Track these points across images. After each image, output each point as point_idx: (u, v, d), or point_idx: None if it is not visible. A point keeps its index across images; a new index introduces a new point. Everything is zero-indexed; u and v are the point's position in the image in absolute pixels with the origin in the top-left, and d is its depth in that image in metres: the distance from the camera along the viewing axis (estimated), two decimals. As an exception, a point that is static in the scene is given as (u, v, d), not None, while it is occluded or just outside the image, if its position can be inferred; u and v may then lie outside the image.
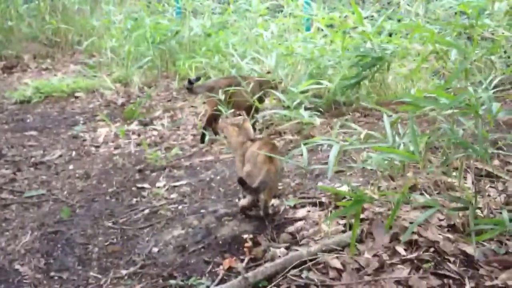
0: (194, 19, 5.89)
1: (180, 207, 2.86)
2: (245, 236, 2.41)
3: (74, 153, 3.92)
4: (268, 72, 4.16)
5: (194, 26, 5.67)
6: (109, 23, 6.26)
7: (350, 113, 3.99)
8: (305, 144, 2.44)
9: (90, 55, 6.65)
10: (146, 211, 2.86)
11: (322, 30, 4.82)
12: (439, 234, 2.23)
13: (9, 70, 6.56)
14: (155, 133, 4.28)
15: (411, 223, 2.24)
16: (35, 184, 3.37)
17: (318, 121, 3.32)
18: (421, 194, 2.46)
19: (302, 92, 3.73)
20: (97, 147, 4.08)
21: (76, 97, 5.31)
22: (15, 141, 4.20)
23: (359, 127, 2.58)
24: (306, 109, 3.64)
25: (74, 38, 7.06)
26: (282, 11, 5.81)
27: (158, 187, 3.16)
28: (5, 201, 3.11)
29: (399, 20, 4.36)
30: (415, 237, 2.18)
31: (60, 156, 3.88)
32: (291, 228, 2.44)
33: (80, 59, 6.65)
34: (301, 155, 2.41)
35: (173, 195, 3.03)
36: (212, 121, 3.93)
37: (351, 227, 2.29)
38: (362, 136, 2.39)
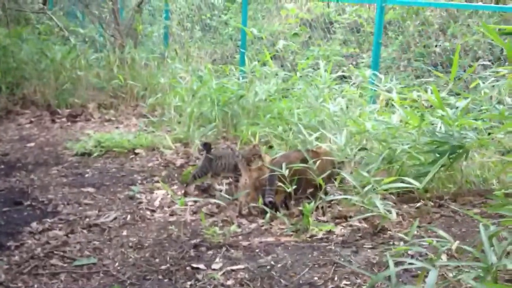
0: (258, 84, 5.82)
1: (237, 297, 2.63)
2: None
3: (129, 216, 3.80)
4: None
5: (259, 91, 5.59)
6: (176, 82, 6.28)
7: (423, 201, 3.70)
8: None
9: (152, 110, 6.67)
10: (201, 298, 2.64)
11: (392, 105, 4.64)
12: None
13: (73, 119, 6.66)
14: (212, 201, 4.11)
15: None
16: (87, 250, 3.23)
17: (394, 215, 3.04)
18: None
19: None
20: (153, 211, 3.95)
21: (136, 154, 5.25)
22: (72, 197, 4.13)
23: (446, 234, 2.30)
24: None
25: (139, 92, 7.14)
26: (347, 81, 5.67)
27: (214, 269, 2.94)
28: (55, 269, 2.97)
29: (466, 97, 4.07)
30: None
31: (115, 218, 3.76)
32: None
33: (143, 113, 6.67)
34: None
35: (230, 282, 2.81)
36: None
37: None
38: (453, 247, 2.11)
